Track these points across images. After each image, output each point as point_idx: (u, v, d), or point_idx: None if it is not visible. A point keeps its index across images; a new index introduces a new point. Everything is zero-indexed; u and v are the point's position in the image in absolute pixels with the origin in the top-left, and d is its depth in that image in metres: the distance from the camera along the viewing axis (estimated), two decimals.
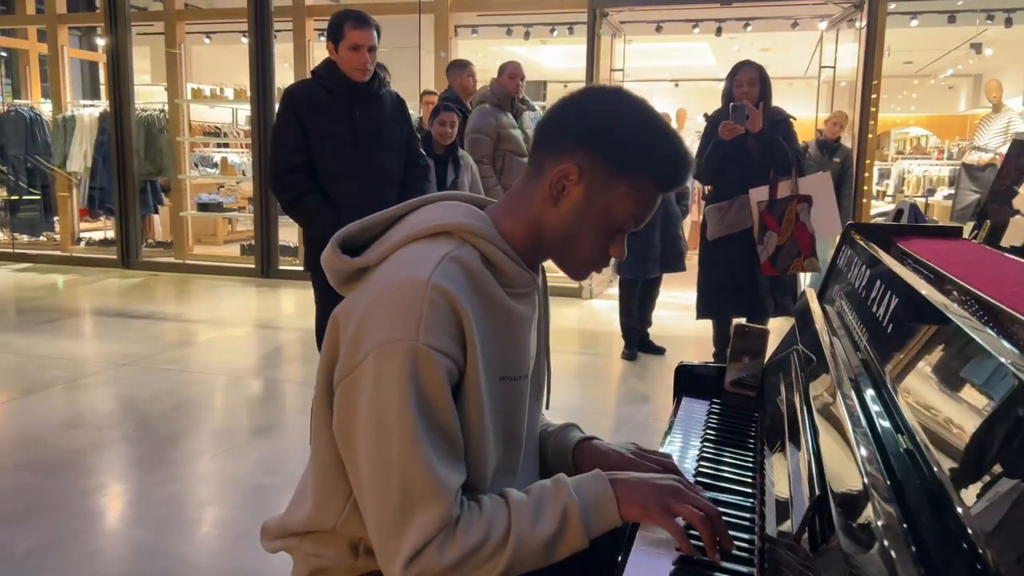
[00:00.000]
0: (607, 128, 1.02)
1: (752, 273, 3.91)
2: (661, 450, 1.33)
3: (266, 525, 1.15)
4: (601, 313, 6.08)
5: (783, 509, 0.94)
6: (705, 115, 4.13)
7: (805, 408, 0.97)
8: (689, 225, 8.95)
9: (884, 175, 12.14)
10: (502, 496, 1.00)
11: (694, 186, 8.56)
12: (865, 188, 6.40)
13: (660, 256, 4.62)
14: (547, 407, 1.24)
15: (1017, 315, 0.78)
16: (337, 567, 1.07)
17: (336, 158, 3.00)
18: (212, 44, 10.83)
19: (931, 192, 9.67)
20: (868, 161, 6.41)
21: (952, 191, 8.19)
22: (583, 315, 6.16)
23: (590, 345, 5.32)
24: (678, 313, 5.71)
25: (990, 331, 0.74)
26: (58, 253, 8.28)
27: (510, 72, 4.68)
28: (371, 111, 3.04)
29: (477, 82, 5.12)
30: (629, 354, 4.72)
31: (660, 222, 4.59)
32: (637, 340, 4.79)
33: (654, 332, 4.92)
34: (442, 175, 4.10)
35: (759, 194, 3.78)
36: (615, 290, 4.96)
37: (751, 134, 3.77)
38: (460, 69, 5.04)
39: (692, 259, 4.49)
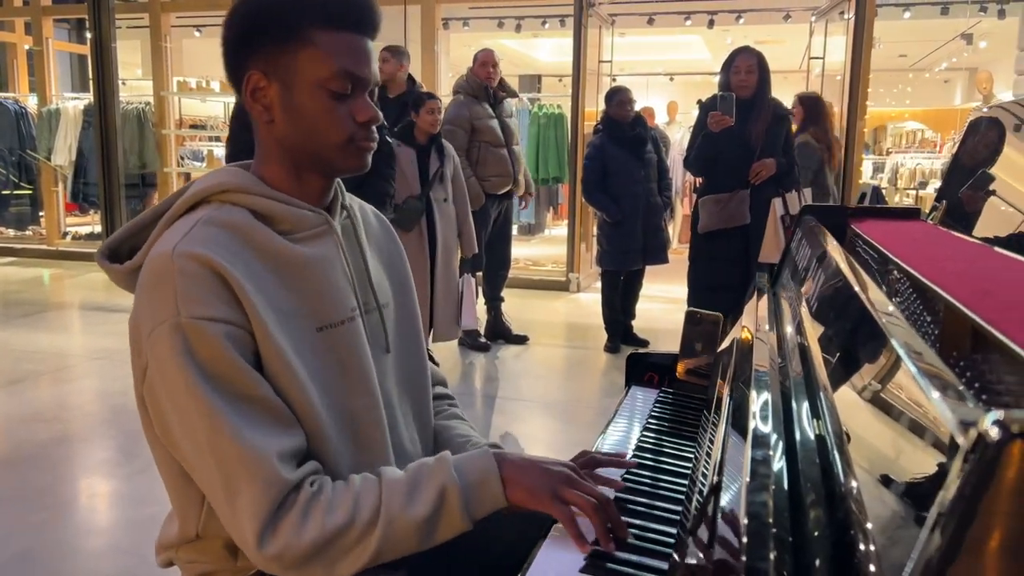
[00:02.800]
0: (243, 24, 0.98)
1: (748, 270, 3.84)
2: (601, 439, 1.29)
3: (156, 543, 1.10)
4: (587, 306, 6.03)
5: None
6: (699, 101, 4.01)
7: (728, 396, 0.92)
8: (680, 219, 8.91)
9: (879, 168, 12.11)
10: (377, 475, 0.94)
11: (686, 178, 8.51)
12: (860, 182, 6.33)
13: (642, 248, 4.56)
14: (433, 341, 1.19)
15: (940, 292, 0.72)
16: (219, 570, 1.02)
17: None
18: (203, 37, 10.76)
19: (923, 185, 9.65)
20: (860, 156, 6.33)
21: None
22: (569, 309, 6.10)
23: (575, 338, 5.27)
24: (663, 306, 5.65)
25: (900, 316, 0.69)
26: (43, 247, 8.22)
27: (481, 59, 4.51)
28: None
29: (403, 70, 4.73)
30: (612, 347, 4.67)
31: (642, 213, 4.53)
32: (620, 332, 4.74)
33: (638, 325, 4.87)
34: (425, 165, 4.01)
35: (780, 207, 3.74)
36: None
37: (753, 129, 3.70)
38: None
39: (680, 253, 4.42)
